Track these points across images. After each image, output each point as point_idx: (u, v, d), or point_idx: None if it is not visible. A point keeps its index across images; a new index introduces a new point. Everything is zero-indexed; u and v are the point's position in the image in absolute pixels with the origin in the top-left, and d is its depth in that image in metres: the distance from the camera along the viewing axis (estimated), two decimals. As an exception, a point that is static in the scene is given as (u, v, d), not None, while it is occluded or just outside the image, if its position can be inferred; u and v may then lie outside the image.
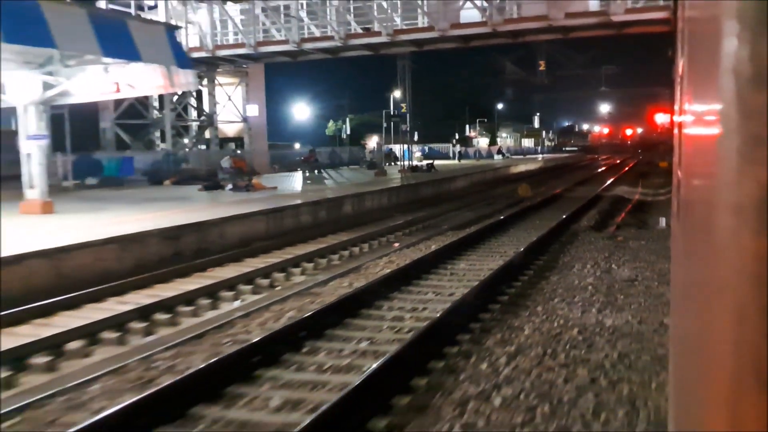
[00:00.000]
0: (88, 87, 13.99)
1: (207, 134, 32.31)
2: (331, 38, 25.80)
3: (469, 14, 24.94)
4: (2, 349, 6.69)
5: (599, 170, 47.37)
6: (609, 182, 30.94)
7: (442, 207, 21.52)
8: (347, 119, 52.10)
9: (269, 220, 15.72)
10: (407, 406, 5.30)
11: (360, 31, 26.42)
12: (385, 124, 32.25)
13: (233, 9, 28.35)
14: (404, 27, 25.48)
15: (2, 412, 5.17)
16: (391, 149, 41.97)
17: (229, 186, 20.91)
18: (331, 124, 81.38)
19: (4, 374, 6.34)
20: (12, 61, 12.59)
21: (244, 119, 32.11)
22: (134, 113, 29.49)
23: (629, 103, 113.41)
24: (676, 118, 3.52)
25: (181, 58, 14.12)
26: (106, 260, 10.83)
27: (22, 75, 13.14)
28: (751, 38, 0.45)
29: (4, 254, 9.27)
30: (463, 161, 50.44)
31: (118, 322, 8.09)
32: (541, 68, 48.05)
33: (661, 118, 76.45)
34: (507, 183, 33.17)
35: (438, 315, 7.67)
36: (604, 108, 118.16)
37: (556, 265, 11.43)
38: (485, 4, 24.35)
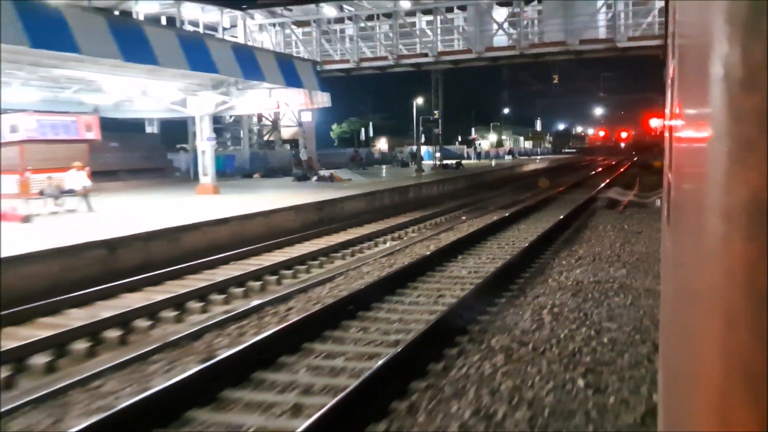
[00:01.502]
0: (253, 104, 19.45)
1: (270, 137, 37.78)
2: (384, 58, 31.27)
3: (498, 39, 30.44)
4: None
5: (599, 169, 52.84)
6: (611, 177, 36.44)
7: (482, 194, 27.01)
8: (369, 123, 57.33)
9: (365, 200, 21.14)
10: (545, 261, 10.80)
11: (406, 52, 31.84)
12: (421, 128, 37.62)
13: (297, 31, 33.75)
14: (445, 49, 30.94)
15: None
16: (415, 150, 47.42)
17: (315, 177, 26.30)
18: (335, 126, 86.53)
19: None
20: (199, 84, 18.02)
21: (299, 124, 37.49)
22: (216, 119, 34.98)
23: (624, 108, 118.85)
24: (668, 122, 3.63)
25: (321, 84, 19.69)
26: (291, 220, 16.28)
27: (201, 95, 18.58)
28: (741, 40, 0.45)
29: (210, 218, 14.44)
30: (480, 161, 55.95)
31: (325, 252, 13.47)
32: (555, 81, 53.64)
33: (654, 122, 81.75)
34: (526, 178, 38.74)
35: (526, 245, 13.09)
36: (601, 112, 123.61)
37: (587, 226, 16.91)
38: (512, 30, 29.86)
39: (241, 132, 33.23)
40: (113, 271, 10.91)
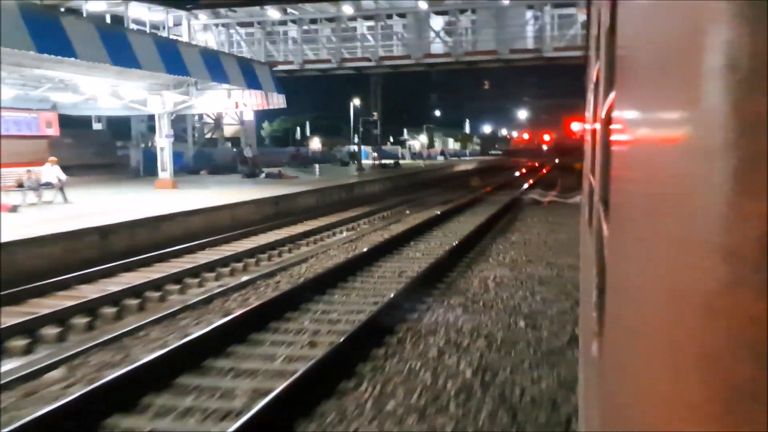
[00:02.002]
0: (211, 104, 20.69)
1: (213, 135, 38.67)
2: (328, 61, 32.85)
3: (435, 46, 32.57)
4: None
5: (524, 170, 56.06)
6: (535, 179, 39.31)
7: (421, 192, 29.04)
8: (306, 122, 58.68)
9: (316, 196, 22.72)
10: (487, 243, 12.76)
11: (348, 55, 33.52)
12: (361, 128, 39.38)
13: (240, 31, 34.85)
14: (385, 54, 32.80)
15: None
16: (353, 150, 49.19)
17: (263, 174, 27.64)
18: (266, 125, 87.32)
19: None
20: (161, 84, 19.17)
21: (241, 123, 38.56)
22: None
23: (547, 112, 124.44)
24: (590, 125, 3.65)
25: (277, 86, 21.11)
26: (252, 213, 17.70)
27: (165, 94, 19.72)
28: (713, 32, 0.42)
29: (181, 210, 15.79)
30: (415, 161, 58.23)
31: (291, 240, 15.03)
32: (486, 87, 56.60)
33: (575, 126, 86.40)
34: (459, 177, 41.16)
35: (467, 233, 15.06)
36: (526, 115, 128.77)
37: (517, 218, 19.12)
38: (448, 38, 32.06)
39: (186, 130, 34.06)
40: (106, 255, 12.14)
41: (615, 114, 1.26)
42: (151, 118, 34.39)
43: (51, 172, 16.64)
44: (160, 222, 14.20)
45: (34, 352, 7.32)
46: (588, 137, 4.39)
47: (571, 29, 30.58)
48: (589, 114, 4.38)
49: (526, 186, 31.15)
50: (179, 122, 37.50)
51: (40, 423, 4.86)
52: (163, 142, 20.45)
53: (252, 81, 19.81)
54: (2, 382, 5.98)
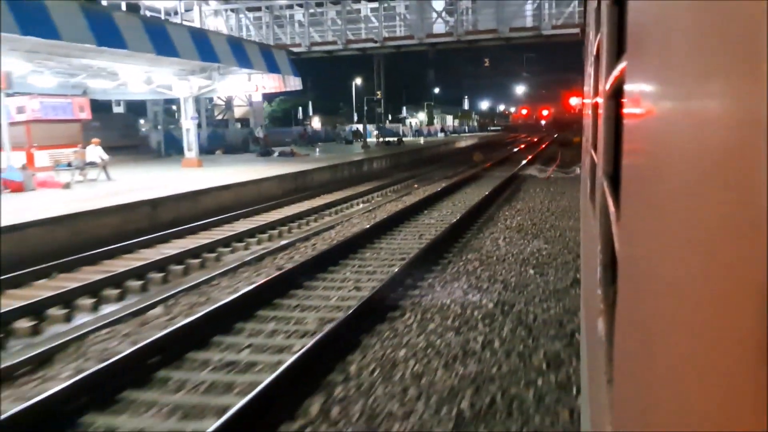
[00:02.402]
0: (232, 87, 22.02)
1: (224, 116, 39.99)
2: (334, 42, 34.03)
3: (437, 26, 33.73)
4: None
5: (523, 145, 57.40)
6: (536, 151, 40.68)
7: (426, 167, 30.45)
8: (309, 103, 59.82)
9: (330, 172, 24.12)
10: (495, 210, 14.23)
11: (352, 37, 34.69)
12: (365, 107, 40.64)
13: (249, 15, 35.96)
14: (388, 35, 33.99)
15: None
16: (357, 128, 50.42)
17: (276, 153, 28.99)
18: (266, 105, 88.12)
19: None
20: (185, 70, 20.48)
21: (250, 104, 39.79)
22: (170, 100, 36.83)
23: (545, 87, 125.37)
24: (591, 99, 3.56)
25: (294, 70, 22.42)
26: (275, 187, 19.12)
27: (191, 79, 21.05)
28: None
29: (214, 185, 17.23)
30: (415, 138, 59.52)
31: (315, 211, 16.47)
32: (486, 64, 57.78)
33: (574, 101, 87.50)
34: (461, 153, 42.50)
35: (475, 202, 16.51)
36: (524, 90, 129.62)
37: (520, 189, 20.57)
38: (449, 18, 33.22)
39: (200, 112, 35.29)
40: (156, 224, 13.61)
41: (627, 86, 1.16)
42: (167, 101, 35.77)
43: (94, 152, 18.02)
44: (198, 196, 15.63)
45: (126, 299, 8.81)
46: (589, 111, 4.27)
47: (569, 7, 31.77)
48: (589, 88, 4.30)
49: (524, 162, 32.55)
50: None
51: (163, 342, 6.33)
52: (189, 124, 21.85)
53: (272, 65, 21.22)
54: (117, 317, 7.47)
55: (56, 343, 6.54)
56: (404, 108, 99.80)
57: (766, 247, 0.35)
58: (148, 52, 16.24)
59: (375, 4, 34.43)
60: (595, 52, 2.88)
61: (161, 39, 16.71)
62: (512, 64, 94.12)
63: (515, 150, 47.17)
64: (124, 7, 29.74)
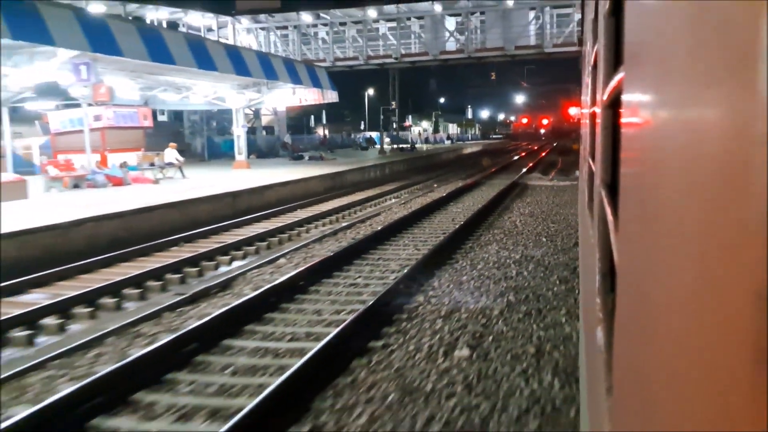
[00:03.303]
0: (277, 100, 25.37)
1: (253, 124, 43.46)
2: (356, 58, 37.46)
3: (449, 44, 37.16)
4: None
5: (526, 152, 60.75)
6: (538, 158, 44.00)
7: (440, 170, 33.71)
8: (323, 111, 63.24)
9: (359, 173, 27.38)
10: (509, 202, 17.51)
11: (371, 53, 38.12)
12: (382, 116, 44.01)
13: (277, 33, 39.38)
14: (404, 51, 37.44)
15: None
16: (370, 136, 53.80)
17: (307, 157, 32.27)
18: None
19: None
20: (241, 85, 23.83)
21: (275, 113, 43.19)
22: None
23: (545, 97, 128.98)
24: (588, 109, 3.62)
25: (331, 84, 25.81)
26: (317, 185, 22.39)
27: (246, 92, 24.40)
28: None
29: (271, 182, 20.48)
30: (423, 145, 62.96)
31: (357, 203, 19.69)
32: (492, 77, 61.38)
33: (573, 111, 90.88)
34: (469, 158, 45.86)
35: (491, 196, 19.74)
36: (525, 100, 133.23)
37: (528, 187, 23.85)
38: (460, 37, 36.66)
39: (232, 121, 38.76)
40: (237, 212, 16.84)
41: (625, 96, 1.13)
42: (201, 111, 39.10)
43: (171, 154, 21.32)
44: (264, 190, 18.90)
45: (249, 258, 12.03)
46: (587, 121, 4.31)
47: (568, 27, 35.21)
48: (586, 97, 4.38)
49: (524, 170, 35.82)
50: (223, 113, 42.18)
51: (301, 275, 9.52)
52: (239, 131, 25.19)
53: (315, 81, 24.64)
54: (257, 264, 10.70)
55: (232, 275, 9.79)
56: (410, 116, 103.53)
57: (764, 255, 0.36)
58: (230, 72, 19.60)
59: (393, 24, 37.91)
60: (592, 63, 2.92)
61: (239, 61, 20.11)
62: (513, 74, 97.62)
63: (517, 158, 50.49)
64: (165, 24, 33.25)
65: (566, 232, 13.47)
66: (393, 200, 21.34)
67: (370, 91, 54.68)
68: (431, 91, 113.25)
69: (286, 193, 20.06)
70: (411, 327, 7.24)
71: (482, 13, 36.99)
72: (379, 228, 14.14)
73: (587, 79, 4.01)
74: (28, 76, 16.08)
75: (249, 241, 13.02)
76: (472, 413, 5.00)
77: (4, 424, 4.73)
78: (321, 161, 31.63)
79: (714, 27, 0.48)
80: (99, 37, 15.85)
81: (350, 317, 7.29)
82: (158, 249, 12.38)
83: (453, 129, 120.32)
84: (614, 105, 1.81)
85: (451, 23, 37.36)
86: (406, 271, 9.52)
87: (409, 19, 37.93)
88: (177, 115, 39.10)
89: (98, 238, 12.27)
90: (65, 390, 5.30)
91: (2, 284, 9.04)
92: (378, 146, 48.31)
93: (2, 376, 5.95)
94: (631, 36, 1.11)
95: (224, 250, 12.06)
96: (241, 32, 38.90)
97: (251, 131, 43.59)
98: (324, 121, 65.72)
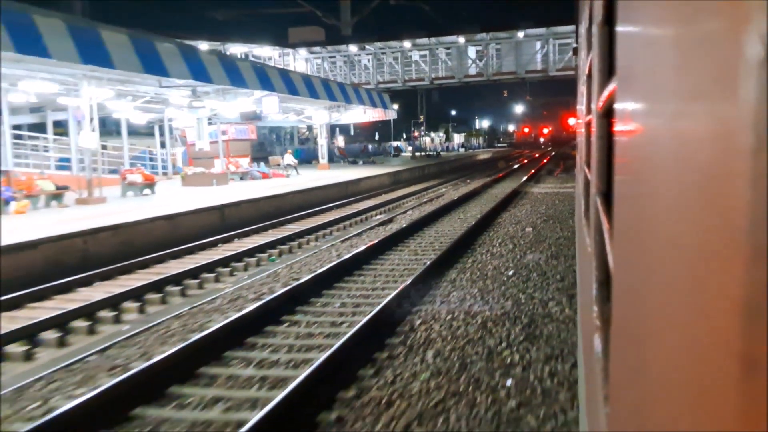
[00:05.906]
0: (351, 117, 33.85)
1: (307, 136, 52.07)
2: (395, 81, 45.89)
3: (470, 69, 45.59)
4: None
5: (530, 158, 69.10)
6: (544, 162, 52.32)
7: (464, 171, 42.07)
8: (351, 125, 71.69)
9: (407, 172, 35.70)
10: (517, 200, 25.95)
11: (405, 78, 46.54)
12: (413, 128, 52.44)
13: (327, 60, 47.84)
14: (435, 76, 45.90)
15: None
16: (397, 145, 62.32)
17: (361, 162, 40.62)
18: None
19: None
20: (326, 106, 32.31)
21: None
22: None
23: (546, 107, 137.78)
24: (584, 118, 3.67)
25: (390, 105, 34.33)
26: (385, 180, 30.76)
27: (332, 112, 32.87)
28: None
29: (359, 177, 28.82)
30: (446, 152, 71.56)
31: (418, 192, 28.03)
32: (505, 95, 69.88)
33: (572, 121, 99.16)
34: (484, 162, 54.34)
35: (515, 186, 28.03)
36: (527, 111, 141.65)
37: (539, 182, 32.20)
38: (480, 63, 45.15)
39: (291, 135, 47.51)
40: (347, 195, 25.17)
41: (618, 105, 1.16)
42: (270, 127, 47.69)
43: (289, 157, 29.75)
44: (359, 182, 27.28)
45: (383, 215, 20.31)
46: (582, 129, 4.36)
47: (568, 54, 43.67)
48: (581, 107, 4.57)
49: (539, 165, 44.09)
50: (277, 129, 50.71)
51: (377, 245, 17.79)
52: (323, 141, 33.68)
53: (382, 103, 33.09)
54: (388, 218, 19.05)
55: (382, 221, 18.18)
56: (421, 128, 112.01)
57: (756, 262, 0.36)
58: (324, 98, 28.15)
59: (424, 52, 46.41)
60: (587, 72, 2.90)
61: (327, 89, 28.78)
62: (519, 89, 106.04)
63: (526, 161, 58.83)
64: (239, 54, 41.69)
65: (568, 211, 21.79)
66: (443, 189, 29.68)
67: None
68: (439, 104, 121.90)
69: (372, 183, 28.47)
70: (494, 233, 15.57)
71: (498, 43, 45.42)
72: (443, 204, 22.45)
73: (582, 88, 4.15)
74: (234, 108, 24.72)
75: (377, 207, 21.40)
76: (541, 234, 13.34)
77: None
78: (373, 164, 39.96)
79: (701, 42, 0.51)
80: (245, 76, 24.48)
81: (459, 232, 15.64)
82: (320, 213, 20.72)
83: (458, 138, 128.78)
84: (608, 114, 1.84)
85: (472, 52, 45.80)
86: (479, 217, 17.86)
87: (437, 48, 46.44)
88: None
89: (281, 207, 20.64)
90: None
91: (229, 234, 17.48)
92: (404, 153, 56.82)
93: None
94: (623, 47, 1.14)
95: (368, 210, 20.44)
96: (299, 59, 47.48)
97: (303, 142, 52.22)
98: (351, 134, 73.91)
